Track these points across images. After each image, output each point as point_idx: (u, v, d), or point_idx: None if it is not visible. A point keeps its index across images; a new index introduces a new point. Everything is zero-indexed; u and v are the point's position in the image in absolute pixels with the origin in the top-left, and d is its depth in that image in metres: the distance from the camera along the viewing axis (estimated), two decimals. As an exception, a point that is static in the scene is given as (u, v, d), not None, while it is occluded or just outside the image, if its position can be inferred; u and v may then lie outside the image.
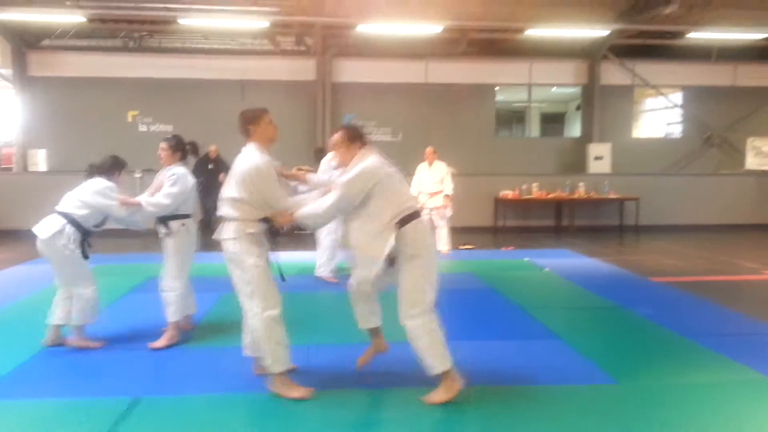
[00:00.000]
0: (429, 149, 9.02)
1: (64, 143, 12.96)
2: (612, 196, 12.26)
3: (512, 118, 17.37)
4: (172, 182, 4.56)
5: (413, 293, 3.48)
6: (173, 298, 4.60)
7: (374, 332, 3.86)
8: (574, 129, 15.87)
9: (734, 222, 12.50)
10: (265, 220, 3.63)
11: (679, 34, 13.12)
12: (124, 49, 13.97)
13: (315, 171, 5.47)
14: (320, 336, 4.76)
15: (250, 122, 3.70)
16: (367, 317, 3.79)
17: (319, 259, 7.09)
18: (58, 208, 4.43)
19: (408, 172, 8.22)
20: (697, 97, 14.62)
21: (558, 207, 12.58)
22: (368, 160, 3.56)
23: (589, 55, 14.18)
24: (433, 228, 9.07)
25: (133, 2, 11.57)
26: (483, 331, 5.05)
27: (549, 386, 3.79)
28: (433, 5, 11.81)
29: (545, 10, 12.09)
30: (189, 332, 4.87)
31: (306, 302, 5.89)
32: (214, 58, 13.64)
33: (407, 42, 13.26)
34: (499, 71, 14.24)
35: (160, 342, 4.52)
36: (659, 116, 15.49)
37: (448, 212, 9.06)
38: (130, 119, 13.37)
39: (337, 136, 3.71)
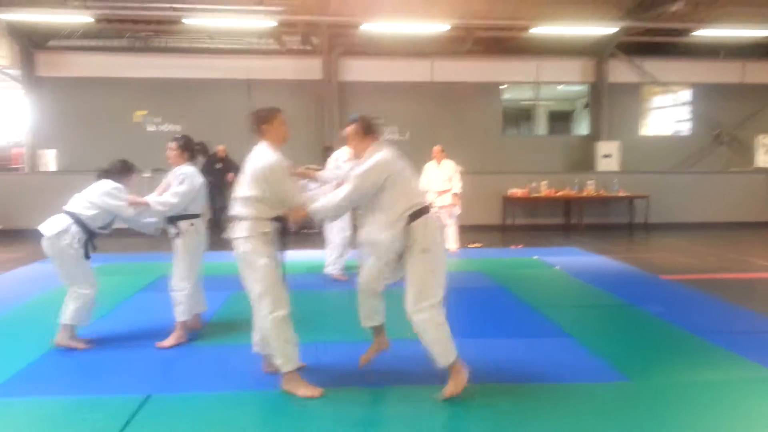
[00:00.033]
0: (437, 148, 9.00)
1: (73, 143, 13.02)
2: (621, 194, 12.20)
3: (520, 116, 17.32)
4: (180, 181, 4.56)
5: (422, 287, 3.48)
6: (181, 298, 4.61)
7: (377, 330, 3.86)
8: (582, 127, 15.82)
9: (744, 219, 12.41)
10: (278, 219, 3.63)
11: (687, 32, 13.04)
12: (130, 49, 14.02)
13: (322, 170, 5.46)
14: (330, 334, 4.75)
15: (264, 121, 3.71)
16: (372, 315, 3.78)
17: (329, 257, 7.10)
18: (66, 207, 4.44)
19: (416, 170, 8.20)
20: (706, 95, 14.54)
21: (567, 205, 12.54)
22: (381, 153, 3.56)
23: (597, 52, 14.12)
24: (442, 226, 9.06)
25: (139, 2, 11.61)
26: (493, 329, 5.03)
27: (560, 384, 3.76)
28: (439, 4, 11.79)
29: (551, 7, 12.05)
30: (199, 330, 4.88)
31: (315, 300, 5.89)
32: (220, 58, 13.67)
33: (413, 41, 13.25)
34: (505, 69, 14.20)
35: (168, 341, 4.53)
36: (668, 114, 15.41)
37: (457, 210, 9.04)
38: (138, 119, 13.42)
39: (350, 128, 3.70)
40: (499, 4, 12.13)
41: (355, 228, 7.28)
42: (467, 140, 13.23)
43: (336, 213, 3.72)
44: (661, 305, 5.62)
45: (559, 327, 4.98)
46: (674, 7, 11.64)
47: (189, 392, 3.64)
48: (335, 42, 13.51)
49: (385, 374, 3.88)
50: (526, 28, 12.54)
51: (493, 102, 14.36)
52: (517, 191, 12.13)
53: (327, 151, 8.54)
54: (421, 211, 3.55)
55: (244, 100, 13.38)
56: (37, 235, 4.35)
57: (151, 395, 3.55)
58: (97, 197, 4.42)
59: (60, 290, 4.63)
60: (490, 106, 14.32)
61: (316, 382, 3.66)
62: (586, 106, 15.27)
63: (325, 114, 13.45)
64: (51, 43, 13.55)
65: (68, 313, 4.39)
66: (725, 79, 14.47)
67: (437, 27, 12.22)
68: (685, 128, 15.06)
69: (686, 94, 14.74)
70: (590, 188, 12.24)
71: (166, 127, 13.33)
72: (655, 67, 14.29)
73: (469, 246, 9.61)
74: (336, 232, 6.99)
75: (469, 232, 10.36)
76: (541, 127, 16.61)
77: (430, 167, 9.01)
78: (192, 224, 4.66)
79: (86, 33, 13.41)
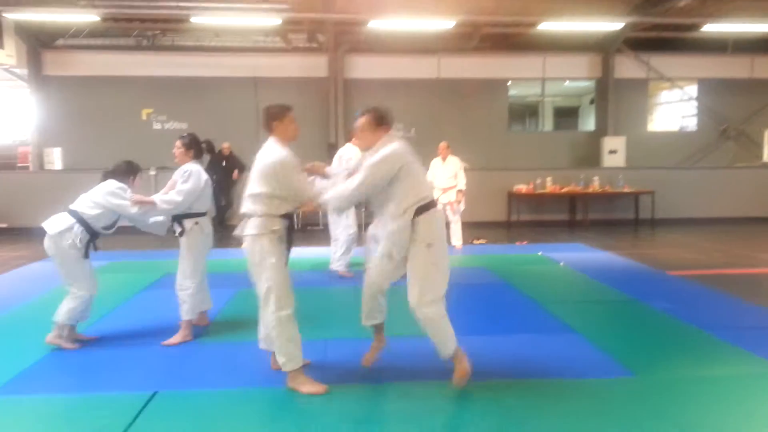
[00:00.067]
0: (442, 144, 9.00)
1: (80, 142, 13.09)
2: (627, 189, 12.14)
3: (525, 112, 17.30)
4: (185, 179, 4.57)
5: (427, 281, 3.51)
6: (186, 297, 4.62)
7: (378, 328, 3.88)
8: (588, 123, 15.77)
9: (751, 215, 12.34)
10: (287, 216, 3.64)
11: (694, 27, 12.97)
12: (137, 47, 14.07)
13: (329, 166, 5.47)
14: (335, 331, 4.76)
15: (274, 118, 3.73)
16: (374, 314, 3.80)
17: (334, 253, 7.12)
18: (71, 206, 4.45)
19: (422, 166, 8.21)
20: (713, 90, 14.47)
21: (572, 201, 12.50)
22: (395, 144, 3.58)
23: (603, 48, 14.07)
24: (447, 223, 9.06)
25: (146, 1, 11.64)
26: (498, 325, 5.03)
27: (566, 380, 3.77)
28: (445, 0, 11.77)
29: (558, 3, 12.02)
30: (205, 327, 4.90)
31: (321, 297, 5.91)
32: (226, 56, 13.70)
33: (419, 37, 13.24)
34: (512, 66, 14.18)
35: (174, 339, 4.55)
36: (674, 109, 15.36)
37: (461, 207, 9.04)
38: (144, 117, 13.48)
39: (363, 120, 3.70)
40: (506, 1, 12.11)
41: (360, 225, 7.34)
42: (473, 137, 13.23)
43: (348, 202, 3.70)
44: (667, 301, 5.61)
45: (565, 323, 4.98)
46: (682, 3, 11.58)
47: (195, 389, 3.66)
48: (341, 39, 13.52)
49: (389, 371, 3.89)
50: (533, 25, 12.50)
51: (499, 98, 14.34)
52: (522, 187, 12.10)
53: (332, 148, 8.55)
54: (428, 206, 3.58)
55: (251, 98, 13.45)
56: (43, 233, 4.37)
57: (158, 392, 3.57)
58: (101, 197, 4.43)
59: (64, 289, 4.65)
60: (496, 103, 14.30)
61: (321, 378, 3.68)
62: (592, 101, 15.23)
63: (331, 111, 13.46)
64: (58, 42, 13.62)
65: (62, 312, 4.40)
66: (733, 74, 14.40)
67: (444, 24, 12.20)
68: (691, 124, 14.99)
69: (693, 90, 14.67)
70: (596, 184, 12.19)
71: (172, 125, 13.39)
72: (661, 62, 14.23)
73: (474, 242, 9.61)
74: (342, 229, 7.01)
75: (473, 228, 10.36)
76: (547, 123, 16.59)
77: (436, 164, 9.01)
78: (196, 223, 4.66)
79: (93, 32, 13.47)
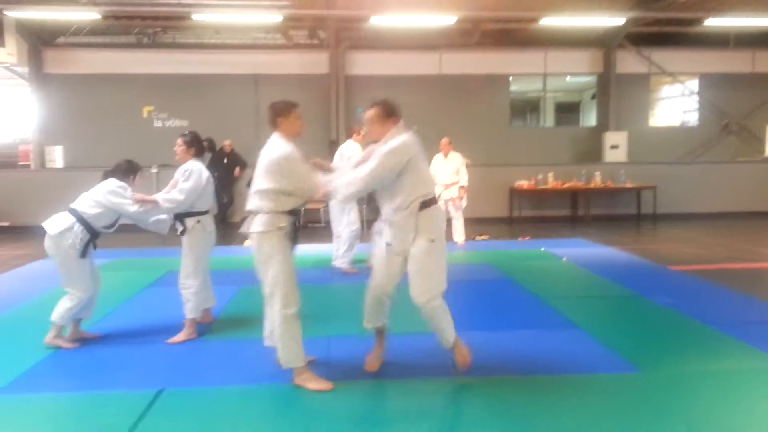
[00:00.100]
0: (444, 140, 8.99)
1: (81, 140, 13.08)
2: (628, 185, 12.14)
3: (526, 108, 17.26)
4: (186, 177, 4.56)
5: (430, 276, 3.55)
6: (189, 296, 4.62)
7: (380, 330, 3.89)
8: (590, 118, 15.75)
9: (753, 209, 12.34)
10: (293, 213, 3.64)
11: (696, 21, 12.92)
12: (138, 45, 14.05)
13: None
14: (338, 328, 4.76)
15: (280, 114, 3.73)
16: (378, 317, 3.80)
17: (336, 250, 7.12)
18: (72, 205, 4.44)
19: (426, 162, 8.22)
20: (715, 85, 14.43)
21: (574, 196, 12.50)
22: (404, 136, 3.61)
23: (605, 43, 14.04)
24: (448, 219, 9.06)
25: (146, -2, 11.64)
26: (502, 321, 5.03)
27: (570, 376, 3.77)
28: (446, -4, 11.74)
29: (559, -1, 11.99)
30: (209, 325, 4.91)
31: (323, 294, 5.91)
32: (227, 53, 13.68)
33: (420, 34, 13.20)
34: (513, 61, 14.15)
35: (178, 337, 4.55)
36: (676, 104, 15.32)
37: (463, 203, 9.04)
38: (145, 115, 13.46)
39: (372, 111, 3.70)
40: (507, -4, 12.08)
41: (363, 222, 7.34)
42: (474, 132, 13.21)
43: (357, 190, 3.64)
44: (670, 296, 5.61)
45: (568, 318, 4.98)
46: (684, -3, 11.56)
47: (201, 386, 3.66)
48: (342, 36, 13.49)
49: (393, 368, 3.89)
50: (534, 20, 12.47)
51: (500, 94, 14.31)
52: (523, 183, 12.10)
53: (333, 145, 8.54)
54: (432, 201, 3.64)
55: (251, 96, 13.43)
56: (44, 232, 4.37)
57: (164, 390, 3.57)
58: (101, 196, 4.42)
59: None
60: (498, 98, 14.27)
61: (325, 375, 3.68)
62: (594, 97, 15.20)
63: (332, 108, 13.45)
64: (59, 40, 13.60)
65: (58, 312, 4.39)
66: (735, 68, 14.35)
67: (445, 19, 12.17)
68: (693, 119, 14.96)
69: (694, 84, 14.63)
70: (597, 179, 12.18)
71: (173, 123, 13.38)
72: (663, 57, 14.19)
73: (476, 238, 9.61)
74: (344, 226, 7.01)
75: (475, 224, 10.36)
76: (549, 118, 16.56)
77: (438, 160, 9.01)
78: (198, 221, 4.65)
79: (93, 30, 13.45)
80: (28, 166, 13.92)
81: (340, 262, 7.01)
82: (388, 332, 3.93)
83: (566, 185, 12.15)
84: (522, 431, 3.04)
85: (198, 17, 11.82)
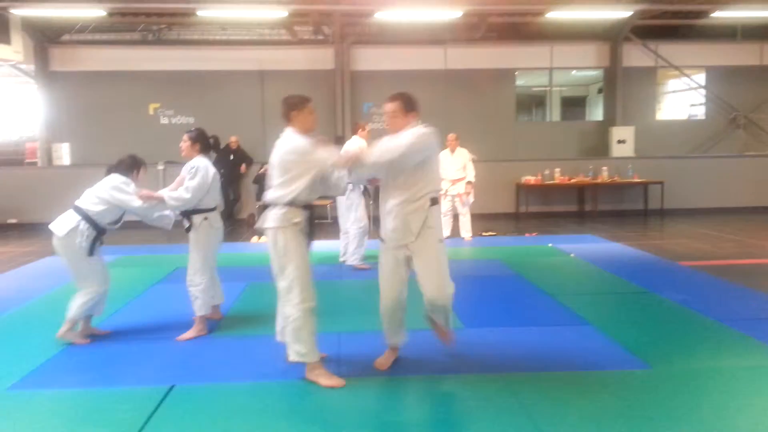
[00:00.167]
0: (451, 136, 8.96)
1: (87, 137, 13.11)
2: (636, 179, 12.09)
3: (532, 102, 17.19)
4: (192, 175, 4.54)
5: (444, 272, 3.62)
6: (197, 293, 4.62)
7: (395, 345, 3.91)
8: (596, 112, 15.68)
9: (762, 204, 12.27)
10: (309, 207, 3.65)
11: (703, 14, 12.83)
12: (143, 42, 14.06)
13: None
14: (348, 324, 4.77)
15: (293, 108, 3.72)
16: (398, 332, 3.83)
17: (343, 247, 7.13)
18: (76, 203, 4.45)
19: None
20: (722, 78, 14.34)
21: (581, 192, 12.45)
22: (430, 128, 3.63)
23: (611, 37, 13.96)
24: (455, 215, 9.05)
25: (151, -5, 11.63)
26: (513, 317, 5.01)
27: (581, 372, 3.76)
28: (452, -10, 11.69)
29: (565, -8, 11.92)
30: (219, 322, 4.91)
31: (332, 290, 5.90)
32: (232, 50, 13.67)
33: (426, 28, 13.17)
34: (519, 55, 14.08)
35: (188, 334, 4.55)
36: (683, 98, 15.23)
37: (471, 199, 9.01)
38: (151, 112, 13.47)
39: (392, 105, 3.68)
40: (513, -11, 12.03)
41: (370, 218, 7.33)
42: (480, 127, 13.17)
43: (394, 158, 3.51)
44: (679, 292, 5.59)
45: (578, 314, 4.97)
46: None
47: (212, 383, 3.67)
48: (347, 31, 13.46)
49: (405, 364, 3.90)
50: (540, 13, 12.40)
51: (506, 88, 14.25)
52: (530, 179, 12.06)
53: (339, 140, 8.53)
54: (438, 199, 3.69)
55: (257, 92, 13.43)
56: (51, 230, 4.38)
57: (175, 386, 3.59)
58: (105, 192, 4.42)
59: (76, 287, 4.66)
60: (504, 93, 14.22)
61: (336, 371, 3.69)
62: (600, 91, 15.13)
63: (337, 104, 13.42)
64: (64, 37, 13.62)
65: (73, 307, 4.41)
66: (742, 61, 14.25)
67: (450, 14, 12.12)
68: (700, 112, 14.88)
69: (701, 78, 14.54)
70: (604, 174, 12.13)
71: (179, 120, 13.38)
72: (670, 50, 14.10)
73: (483, 234, 9.58)
74: (351, 222, 7.00)
75: (482, 220, 10.34)
76: (555, 113, 16.48)
77: (444, 155, 8.96)
78: (206, 218, 4.64)
79: (99, 27, 13.47)
80: (35, 163, 13.96)
81: (352, 260, 7.00)
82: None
83: (573, 180, 12.10)
84: (532, 427, 3.03)
85: (203, 13, 11.81)
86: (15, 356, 4.18)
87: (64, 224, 4.35)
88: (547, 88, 15.45)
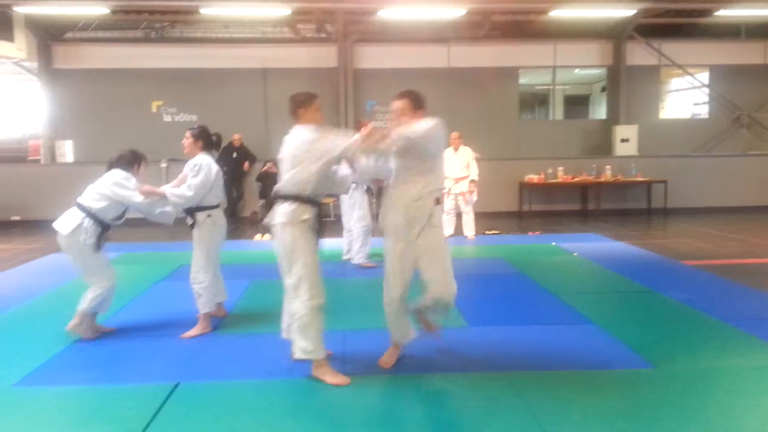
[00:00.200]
0: (454, 134, 8.95)
1: (90, 134, 13.12)
2: (639, 178, 12.07)
3: (535, 100, 17.17)
4: (195, 173, 4.53)
5: (450, 269, 3.64)
6: (201, 291, 4.62)
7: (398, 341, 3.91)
8: (600, 111, 15.65)
9: (765, 203, 12.24)
10: (318, 204, 3.65)
11: (707, 12, 12.80)
12: (146, 40, 14.05)
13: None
14: (352, 322, 4.77)
15: (301, 105, 3.74)
16: (405, 329, 3.84)
17: (350, 246, 7.13)
18: (79, 200, 4.46)
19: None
20: (726, 76, 14.30)
21: (584, 190, 12.44)
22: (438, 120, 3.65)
23: (614, 35, 13.93)
24: (459, 213, 9.05)
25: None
26: (517, 316, 5.01)
27: (587, 371, 3.76)
28: (455, -12, 11.67)
29: (569, -11, 11.89)
30: (223, 319, 4.92)
31: (337, 288, 5.87)
32: (235, 48, 13.65)
33: (429, 26, 13.14)
34: (522, 54, 14.05)
35: (192, 332, 4.56)
36: (686, 96, 15.20)
37: (474, 197, 9.01)
38: (154, 109, 13.47)
39: (401, 103, 3.68)
40: (516, -13, 12.00)
41: (373, 216, 7.33)
42: (483, 126, 13.14)
43: (415, 140, 3.51)
44: (683, 291, 5.58)
45: (581, 313, 4.96)
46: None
47: (217, 380, 3.68)
48: (350, 29, 13.44)
49: (410, 363, 3.90)
50: (543, 12, 12.37)
51: (509, 87, 14.23)
52: (533, 177, 12.05)
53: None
54: (441, 199, 3.70)
55: (260, 90, 13.43)
56: (52, 225, 4.39)
57: (180, 383, 3.59)
58: (106, 188, 4.42)
59: (79, 282, 4.67)
60: (507, 91, 14.19)
61: (341, 369, 3.70)
62: (603, 89, 15.10)
63: (341, 102, 13.42)
64: (67, 35, 13.61)
65: (86, 300, 4.43)
66: (746, 60, 14.20)
67: (454, 12, 12.10)
68: (704, 111, 14.84)
69: (705, 77, 14.50)
70: (608, 173, 12.12)
71: (182, 118, 13.38)
72: (673, 49, 14.07)
73: (486, 233, 9.58)
74: (355, 221, 7.01)
75: (485, 218, 10.33)
76: (558, 111, 16.46)
77: (448, 154, 8.95)
78: (209, 215, 4.64)
79: (102, 24, 13.46)
80: (38, 160, 13.98)
81: (357, 259, 7.00)
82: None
83: (576, 179, 12.09)
84: (536, 426, 3.03)
85: (206, 11, 11.80)
86: (19, 353, 4.19)
87: (68, 222, 4.36)
88: (551, 87, 15.42)
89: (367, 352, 4.03)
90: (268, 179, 11.78)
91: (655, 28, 13.89)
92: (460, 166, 8.86)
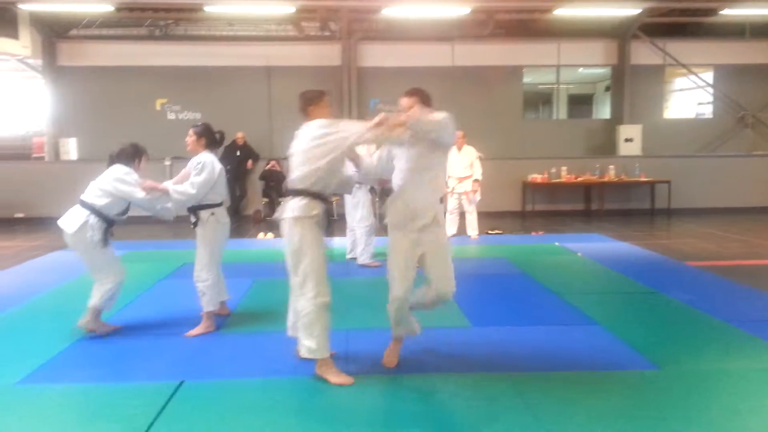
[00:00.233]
0: (458, 133, 8.92)
1: (94, 132, 13.12)
2: (643, 178, 12.04)
3: (539, 99, 17.13)
4: (198, 171, 4.53)
5: (452, 267, 3.69)
6: (205, 289, 4.62)
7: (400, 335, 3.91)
8: (603, 110, 15.62)
9: (770, 204, 12.23)
10: (326, 201, 3.65)
11: (712, 11, 12.76)
12: (150, 37, 14.07)
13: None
14: (356, 321, 4.76)
15: (310, 102, 3.75)
16: (408, 323, 3.83)
17: (353, 245, 7.14)
18: (82, 197, 4.46)
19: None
20: (730, 76, 14.26)
21: (587, 190, 12.42)
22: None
23: (619, 34, 13.90)
24: (462, 213, 9.03)
25: (159, -10, 11.63)
26: (521, 317, 5.00)
27: (591, 372, 3.75)
28: (460, -14, 11.65)
29: (574, -11, 11.86)
30: (226, 318, 4.92)
31: (340, 287, 5.84)
32: (239, 45, 13.67)
33: (433, 24, 13.12)
34: (526, 52, 14.03)
35: (196, 330, 4.56)
36: (691, 96, 15.16)
37: (478, 197, 9.00)
38: (158, 107, 13.49)
39: (411, 101, 3.67)
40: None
41: (376, 215, 7.32)
42: (487, 125, 13.11)
43: (433, 129, 3.51)
44: (687, 292, 5.57)
45: (586, 314, 4.95)
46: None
47: (221, 379, 3.68)
48: (354, 27, 13.44)
49: (413, 362, 3.90)
50: (548, 10, 12.34)
51: (513, 86, 14.22)
52: (536, 177, 12.03)
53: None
54: (444, 198, 3.73)
55: (264, 88, 13.44)
56: (57, 223, 4.39)
57: (184, 382, 3.60)
58: (109, 184, 4.43)
59: (83, 278, 4.69)
60: (511, 90, 14.18)
61: (344, 369, 3.69)
62: (608, 89, 15.07)
63: (344, 100, 13.41)
64: (72, 32, 13.63)
65: (96, 297, 4.44)
66: (751, 60, 14.16)
67: (458, 10, 12.08)
68: (708, 111, 14.81)
69: (709, 76, 14.46)
70: (611, 173, 12.09)
71: (186, 115, 13.40)
72: (678, 48, 14.03)
73: (489, 232, 9.57)
74: (358, 221, 7.01)
75: (488, 218, 10.32)
76: (562, 110, 16.42)
77: (452, 153, 8.93)
78: (212, 213, 4.64)
79: (106, 22, 13.48)
80: (42, 158, 13.99)
81: (362, 259, 7.00)
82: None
83: (580, 179, 12.07)
84: (540, 427, 3.03)
85: (210, 9, 11.81)
86: (23, 351, 4.20)
87: (73, 220, 4.37)
88: (555, 86, 15.39)
89: (371, 351, 4.03)
90: (271, 177, 11.81)
91: (659, 27, 13.86)
92: (463, 166, 8.85)
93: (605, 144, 14.07)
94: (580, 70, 15.41)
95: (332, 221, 3.78)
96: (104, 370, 3.88)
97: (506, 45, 13.88)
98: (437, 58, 13.71)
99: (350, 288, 6.01)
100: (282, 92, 13.10)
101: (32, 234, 10.03)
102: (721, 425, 3.07)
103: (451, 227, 8.86)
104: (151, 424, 3.08)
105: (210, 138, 4.76)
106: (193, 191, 4.48)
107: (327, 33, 13.88)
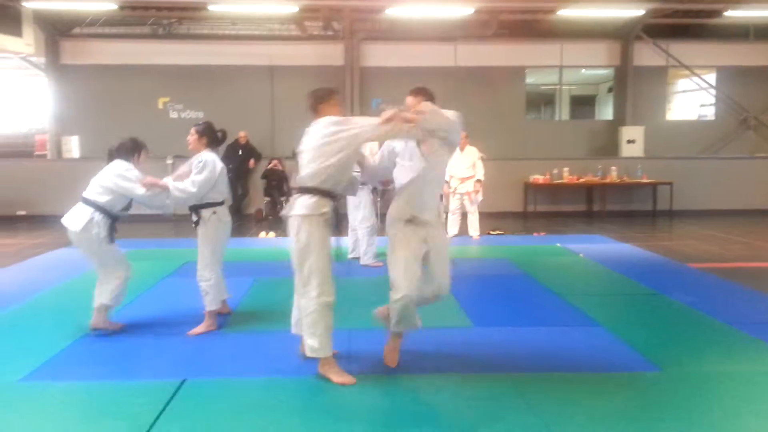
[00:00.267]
0: (461, 134, 8.93)
1: (97, 130, 13.11)
2: (645, 180, 12.03)
3: (542, 100, 17.13)
4: (199, 169, 4.53)
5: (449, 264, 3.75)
6: (208, 288, 4.63)
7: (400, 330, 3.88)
8: (606, 111, 15.61)
9: (772, 206, 12.21)
10: (335, 198, 3.65)
11: (715, 13, 12.75)
12: (153, 36, 14.08)
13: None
14: (358, 321, 4.75)
15: (320, 101, 3.75)
16: (411, 319, 3.77)
17: (355, 244, 7.13)
18: (84, 194, 4.47)
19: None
20: (733, 78, 14.25)
21: (589, 192, 12.41)
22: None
23: (622, 35, 13.89)
24: (464, 213, 9.04)
25: (163, -11, 11.64)
26: (523, 317, 5.00)
27: (591, 374, 3.75)
28: (463, -13, 11.65)
29: (577, -10, 11.85)
30: (228, 317, 4.93)
31: (342, 286, 5.83)
32: (242, 44, 13.68)
33: (436, 25, 13.13)
34: (529, 53, 14.03)
35: (199, 329, 4.57)
36: (694, 98, 15.15)
37: (479, 197, 9.00)
38: (161, 106, 13.51)
39: (416, 100, 3.68)
40: (524, -13, 11.98)
41: (378, 215, 7.33)
42: (490, 125, 13.10)
43: (441, 120, 3.55)
44: (689, 294, 5.56)
45: (588, 315, 4.95)
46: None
47: (224, 377, 3.69)
48: (357, 27, 13.43)
49: (415, 362, 3.90)
50: (551, 11, 12.34)
51: (516, 86, 14.21)
52: (538, 178, 12.03)
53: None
54: (442, 197, 3.73)
55: (266, 87, 13.44)
56: (61, 221, 4.40)
57: (187, 380, 3.60)
58: (109, 181, 4.43)
59: (85, 276, 4.69)
60: (514, 91, 14.17)
61: (346, 368, 3.69)
62: (610, 90, 15.06)
63: (347, 100, 13.41)
64: (75, 30, 13.65)
65: (105, 294, 4.45)
66: (754, 61, 14.15)
67: (461, 11, 12.08)
68: (710, 113, 14.79)
69: (712, 78, 14.45)
70: (613, 174, 12.08)
71: (189, 114, 13.41)
72: (681, 50, 14.02)
73: (491, 233, 9.57)
74: (360, 221, 7.01)
75: (490, 218, 10.32)
76: (564, 111, 16.42)
77: (454, 153, 8.94)
78: (214, 212, 4.64)
79: (109, 20, 13.49)
80: (44, 155, 14.01)
81: (365, 260, 7.01)
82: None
83: (582, 180, 12.07)
84: (542, 428, 3.03)
85: (214, 8, 11.82)
86: (25, 348, 4.21)
87: (78, 218, 4.37)
88: (557, 87, 15.39)
89: (373, 350, 4.02)
90: (273, 177, 11.82)
91: (662, 28, 13.85)
92: (465, 166, 8.85)
93: (607, 145, 14.06)
94: (583, 71, 15.41)
95: (342, 219, 3.78)
96: (107, 368, 3.89)
97: (509, 46, 13.88)
98: (440, 59, 13.71)
99: (352, 288, 6.00)
100: (284, 92, 13.11)
101: (34, 232, 10.05)
102: (722, 427, 3.07)
103: (453, 227, 8.87)
104: (154, 421, 3.09)
105: (212, 137, 4.76)
106: (193, 189, 4.49)
107: (330, 33, 13.88)
